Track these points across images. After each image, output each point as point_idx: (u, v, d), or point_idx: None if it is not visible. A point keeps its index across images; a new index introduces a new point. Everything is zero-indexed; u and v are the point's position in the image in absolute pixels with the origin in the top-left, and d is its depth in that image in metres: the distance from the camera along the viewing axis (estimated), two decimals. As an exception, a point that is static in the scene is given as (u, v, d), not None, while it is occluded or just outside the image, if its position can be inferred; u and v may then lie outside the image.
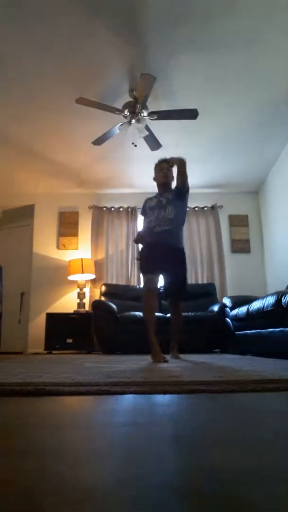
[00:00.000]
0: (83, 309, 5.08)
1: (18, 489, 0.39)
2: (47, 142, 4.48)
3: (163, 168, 3.01)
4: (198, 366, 1.99)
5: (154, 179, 3.11)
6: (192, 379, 1.28)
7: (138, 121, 3.59)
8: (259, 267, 5.60)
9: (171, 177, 3.03)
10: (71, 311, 5.14)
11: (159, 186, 3.06)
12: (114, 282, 5.40)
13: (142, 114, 3.56)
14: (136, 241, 3.09)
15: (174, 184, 3.06)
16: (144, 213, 3.06)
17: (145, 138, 3.91)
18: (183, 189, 2.96)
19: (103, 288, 5.13)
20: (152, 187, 3.22)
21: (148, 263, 2.81)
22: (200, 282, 5.45)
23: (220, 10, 2.76)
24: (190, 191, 5.56)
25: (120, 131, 3.80)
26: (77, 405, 0.96)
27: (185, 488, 0.39)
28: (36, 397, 1.04)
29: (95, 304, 4.62)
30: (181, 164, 2.94)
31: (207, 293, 5.13)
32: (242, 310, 3.72)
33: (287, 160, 4.66)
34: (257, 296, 3.83)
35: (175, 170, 3.03)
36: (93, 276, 5.28)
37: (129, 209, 5.66)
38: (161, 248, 2.80)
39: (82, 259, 5.17)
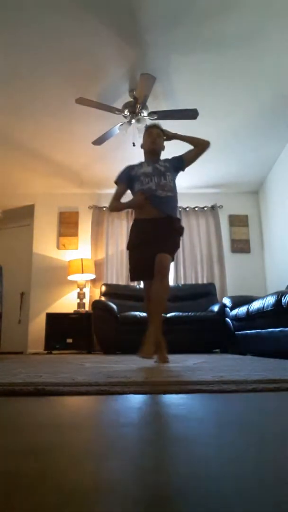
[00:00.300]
0: (83, 309, 5.08)
1: (18, 489, 0.39)
2: (47, 142, 4.48)
3: (152, 134, 2.65)
4: (198, 366, 1.99)
5: (142, 146, 2.75)
6: (192, 379, 1.28)
7: (138, 121, 3.59)
8: (259, 267, 5.60)
9: (161, 145, 2.67)
10: (71, 311, 5.14)
11: (146, 153, 2.70)
12: (114, 282, 5.40)
13: (142, 114, 3.56)
14: (131, 205, 2.63)
15: (163, 156, 2.71)
16: (127, 180, 2.62)
17: (145, 138, 3.91)
18: (185, 166, 2.67)
19: (103, 288, 5.13)
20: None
21: (144, 267, 2.43)
22: (200, 282, 5.45)
23: (220, 9, 2.76)
24: (189, 191, 5.63)
25: (120, 131, 3.81)
26: (77, 405, 0.96)
27: (185, 488, 0.39)
28: (36, 397, 1.04)
29: (95, 304, 4.62)
30: (205, 145, 2.63)
31: (207, 293, 5.14)
32: (242, 310, 3.72)
33: (287, 160, 4.66)
34: (257, 296, 3.83)
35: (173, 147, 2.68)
36: (93, 276, 5.28)
37: (129, 209, 5.65)
38: (157, 226, 2.43)
39: (82, 259, 5.17)
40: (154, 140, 2.63)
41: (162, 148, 2.69)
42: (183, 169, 2.68)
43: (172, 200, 2.53)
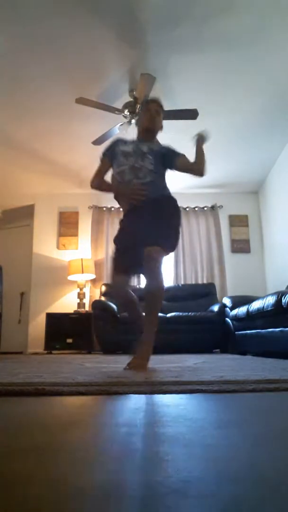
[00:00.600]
0: (83, 309, 5.08)
1: (17, 489, 0.39)
2: (47, 142, 4.48)
3: (150, 109, 2.30)
4: (198, 366, 1.99)
5: (136, 122, 2.45)
6: (192, 379, 1.28)
7: (138, 121, 3.59)
8: (259, 267, 5.60)
9: (158, 124, 2.33)
10: (71, 311, 5.14)
11: (140, 131, 2.35)
12: (114, 282, 5.40)
13: (142, 114, 3.56)
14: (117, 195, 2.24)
15: (160, 138, 2.39)
16: (110, 155, 2.27)
17: (145, 138, 3.91)
18: (173, 168, 2.23)
19: (103, 288, 5.13)
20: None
21: (121, 257, 2.12)
22: (200, 282, 5.46)
23: (221, 9, 2.76)
24: (189, 191, 5.62)
25: (120, 131, 3.81)
26: (77, 405, 0.96)
27: (185, 488, 0.39)
28: (36, 397, 1.04)
29: (95, 304, 4.62)
30: (198, 171, 2.18)
31: (207, 293, 5.14)
32: (242, 310, 3.72)
33: (287, 160, 4.66)
34: (257, 296, 3.83)
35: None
36: (93, 276, 5.28)
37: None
38: (143, 211, 2.07)
39: (82, 259, 5.17)
40: (151, 117, 2.29)
41: (160, 128, 2.36)
42: (171, 168, 2.25)
43: (153, 184, 2.12)
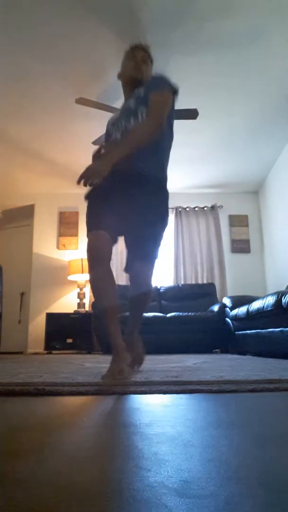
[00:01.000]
0: (83, 309, 5.08)
1: (17, 489, 0.39)
2: (47, 142, 4.48)
3: (136, 56, 1.85)
4: (198, 366, 1.99)
5: (119, 75, 1.95)
6: (192, 379, 1.28)
7: (138, 121, 3.58)
8: (259, 267, 5.60)
9: (145, 74, 1.86)
10: (71, 311, 5.14)
11: (125, 83, 1.91)
12: (114, 282, 5.40)
13: (142, 114, 3.55)
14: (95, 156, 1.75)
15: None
16: (107, 135, 1.89)
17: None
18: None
19: (103, 288, 5.12)
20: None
21: (98, 212, 1.67)
22: (200, 282, 5.46)
23: (220, 10, 2.76)
24: (189, 191, 5.61)
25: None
26: (77, 405, 0.96)
27: (185, 488, 0.39)
28: (36, 397, 1.04)
29: (95, 304, 4.62)
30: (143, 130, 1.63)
31: (207, 293, 5.14)
32: (242, 310, 3.72)
33: (287, 160, 4.66)
34: (257, 296, 3.83)
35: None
36: (93, 276, 5.28)
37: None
38: (126, 183, 1.65)
39: (82, 259, 5.17)
40: (138, 66, 1.83)
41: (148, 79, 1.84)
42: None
43: (141, 152, 1.59)
